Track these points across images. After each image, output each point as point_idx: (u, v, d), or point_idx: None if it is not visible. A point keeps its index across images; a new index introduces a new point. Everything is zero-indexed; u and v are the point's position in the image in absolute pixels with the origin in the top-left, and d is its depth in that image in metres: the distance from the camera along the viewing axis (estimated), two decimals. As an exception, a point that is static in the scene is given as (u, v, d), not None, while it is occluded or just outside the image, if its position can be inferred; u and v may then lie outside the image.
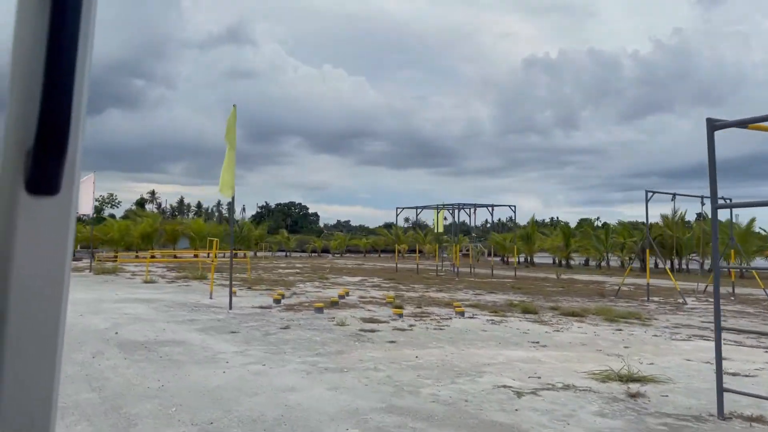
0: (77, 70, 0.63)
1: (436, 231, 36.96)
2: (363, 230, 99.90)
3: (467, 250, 40.75)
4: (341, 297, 17.14)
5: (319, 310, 13.58)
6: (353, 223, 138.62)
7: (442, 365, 8.09)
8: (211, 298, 16.30)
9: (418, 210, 36.70)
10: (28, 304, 0.67)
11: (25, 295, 0.66)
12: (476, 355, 8.86)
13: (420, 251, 58.90)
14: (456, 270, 32.11)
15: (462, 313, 13.39)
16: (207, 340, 9.74)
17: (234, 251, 56.16)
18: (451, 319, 12.88)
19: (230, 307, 13.91)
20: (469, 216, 37.54)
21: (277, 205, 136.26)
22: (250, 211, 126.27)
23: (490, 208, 39.19)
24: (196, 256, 47.49)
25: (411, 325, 11.68)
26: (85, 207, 27.85)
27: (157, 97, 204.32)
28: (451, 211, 37.34)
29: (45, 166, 0.62)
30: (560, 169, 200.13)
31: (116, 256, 43.94)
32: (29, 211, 0.65)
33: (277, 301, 15.53)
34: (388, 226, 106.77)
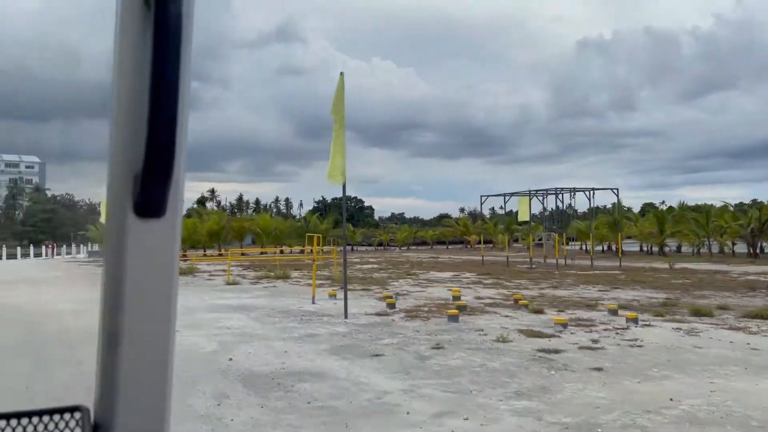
0: (179, 95, 0.62)
1: (520, 219, 33.93)
2: (418, 222, 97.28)
3: (540, 240, 37.60)
4: (455, 298, 14.61)
5: (454, 318, 11.06)
6: (407, 215, 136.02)
7: (725, 415, 5.41)
8: (313, 303, 14.01)
9: (506, 198, 33.75)
10: (140, 323, 0.68)
11: (137, 315, 0.68)
12: (753, 395, 6.14)
13: (491, 242, 55.93)
14: (555, 262, 29.15)
15: (635, 320, 10.61)
16: (351, 369, 7.32)
17: (303, 247, 54.51)
18: (628, 328, 10.12)
19: (346, 316, 11.55)
20: (558, 201, 34.33)
21: (333, 199, 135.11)
22: (307, 207, 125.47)
23: (561, 194, 35.78)
24: (281, 252, 45.96)
25: (594, 341, 9.00)
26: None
27: (213, 98, 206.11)
28: (541, 198, 34.29)
29: (152, 190, 0.63)
30: (617, 152, 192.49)
31: (185, 255, 42.72)
32: (138, 233, 0.66)
33: (392, 306, 13.10)
34: (444, 216, 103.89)
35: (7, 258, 53.04)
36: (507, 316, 11.80)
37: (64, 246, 64.19)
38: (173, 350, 0.71)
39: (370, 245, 64.20)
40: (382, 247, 62.03)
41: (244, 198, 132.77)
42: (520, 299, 14.02)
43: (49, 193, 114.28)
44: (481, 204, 39.01)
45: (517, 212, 34.18)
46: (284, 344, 8.96)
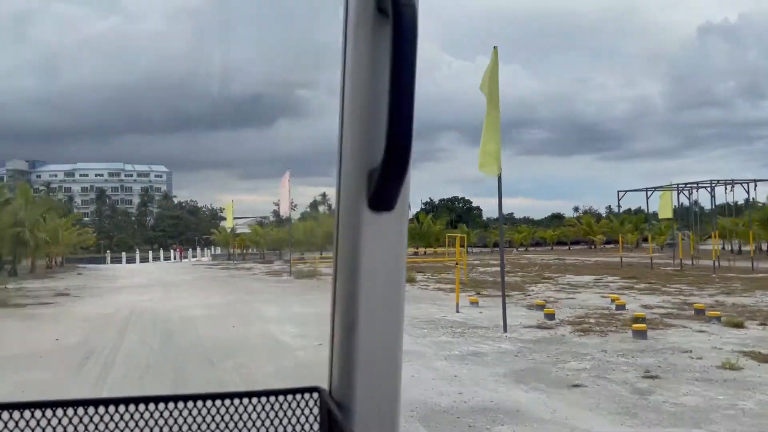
0: (414, 97, 0.66)
1: (662, 217, 30.62)
2: (528, 222, 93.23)
3: (673, 240, 33.83)
4: (619, 307, 12.55)
5: (641, 334, 9.11)
6: (516, 216, 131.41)
7: None
8: (458, 311, 12.48)
9: (648, 193, 30.64)
10: (374, 310, 0.74)
11: (371, 302, 0.74)
12: None
13: (613, 242, 51.95)
14: (712, 264, 25.85)
15: None
16: (553, 406, 5.68)
17: (416, 248, 53.36)
18: None
19: (505, 329, 9.90)
20: (711, 195, 30.71)
21: (441, 200, 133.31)
22: (415, 208, 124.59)
23: (713, 188, 31.92)
24: (416, 253, 45.06)
25: None
26: (284, 207, 25.90)
27: (320, 104, 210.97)
28: (687, 193, 30.85)
29: (388, 186, 0.67)
30: (748, 144, 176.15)
31: (303, 258, 42.79)
32: (371, 225, 0.72)
33: (550, 317, 11.30)
34: (557, 216, 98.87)
35: (140, 261, 56.05)
36: (702, 331, 9.66)
37: (190, 249, 67.22)
38: (402, 336, 0.77)
39: (485, 246, 61.93)
40: (498, 249, 59.56)
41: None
42: (704, 309, 11.74)
43: (175, 200, 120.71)
44: (619, 200, 35.73)
45: (640, 210, 30.82)
46: (449, 365, 7.48)
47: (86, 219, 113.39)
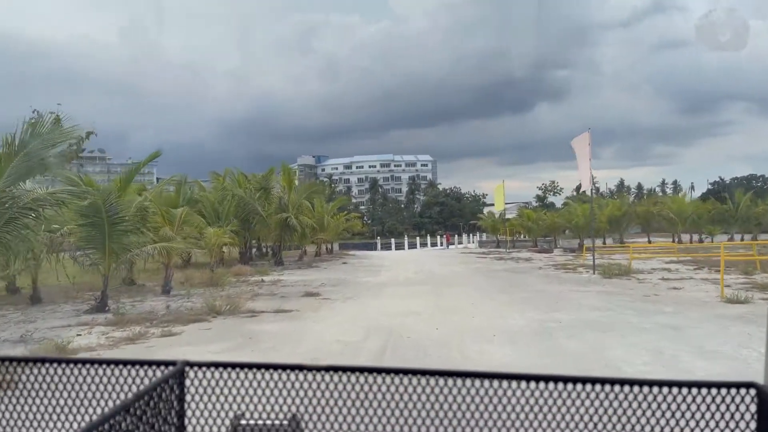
0: None
1: None
2: None
3: None
4: None
5: None
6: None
7: None
8: None
9: None
10: None
11: None
12: None
13: None
14: None
15: None
16: None
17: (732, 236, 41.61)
18: None
19: None
20: None
21: (733, 179, 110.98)
22: (699, 190, 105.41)
23: None
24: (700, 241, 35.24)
25: None
26: (584, 178, 19.21)
27: (582, 84, 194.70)
28: None
29: None
30: None
31: (588, 246, 35.24)
32: None
33: None
34: None
35: (409, 247, 53.76)
36: None
37: (456, 235, 63.52)
38: None
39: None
40: None
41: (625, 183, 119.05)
42: None
43: (440, 187, 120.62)
44: None
45: None
46: None
47: (362, 207, 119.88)
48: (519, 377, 1.07)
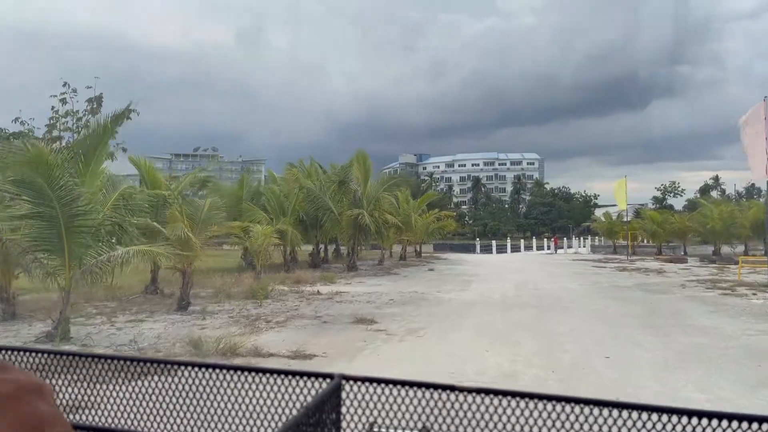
0: None
1: None
2: None
3: None
4: None
5: None
6: None
7: None
8: None
9: None
10: None
11: None
12: None
13: None
14: None
15: None
16: None
17: None
18: None
19: None
20: None
21: None
22: None
23: None
24: None
25: None
26: (758, 167, 13.57)
27: (704, 80, 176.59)
28: None
29: None
30: None
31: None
32: None
33: None
34: None
35: (512, 250, 48.25)
36: None
37: (564, 239, 56.95)
38: None
39: None
40: None
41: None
42: None
43: (547, 187, 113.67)
44: None
45: None
46: None
47: (463, 207, 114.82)
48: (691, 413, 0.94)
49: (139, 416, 1.29)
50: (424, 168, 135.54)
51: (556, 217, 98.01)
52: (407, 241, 25.94)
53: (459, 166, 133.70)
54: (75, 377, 1.32)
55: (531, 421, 1.05)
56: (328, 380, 1.19)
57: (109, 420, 1.30)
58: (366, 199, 19.77)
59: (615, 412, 1.00)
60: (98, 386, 1.38)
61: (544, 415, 1.04)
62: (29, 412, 0.33)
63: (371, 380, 1.19)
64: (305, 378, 1.21)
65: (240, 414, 1.21)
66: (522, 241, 55.22)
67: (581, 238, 58.10)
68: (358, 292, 14.26)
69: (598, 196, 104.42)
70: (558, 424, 1.02)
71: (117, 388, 1.37)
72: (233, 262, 19.96)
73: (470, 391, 1.09)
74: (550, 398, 1.03)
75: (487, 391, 1.08)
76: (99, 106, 16.05)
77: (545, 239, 55.38)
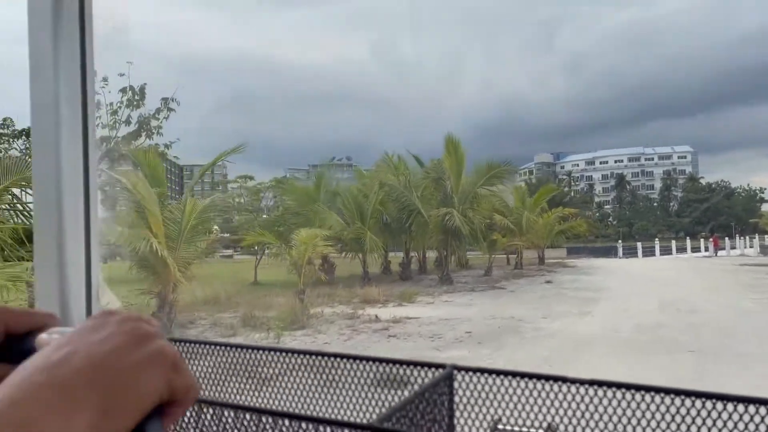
0: None
1: None
2: None
3: None
4: None
5: None
6: None
7: None
8: None
9: None
10: None
11: None
12: None
13: None
14: None
15: None
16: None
17: None
18: None
19: None
20: None
21: None
22: None
23: None
24: None
25: None
26: None
27: None
28: None
29: None
30: None
31: None
32: None
33: None
34: None
35: (661, 253, 41.13)
36: None
37: (726, 239, 48.03)
38: None
39: None
40: None
41: None
42: None
43: (702, 182, 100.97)
44: None
45: None
46: None
47: (607, 207, 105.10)
48: None
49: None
50: (562, 167, 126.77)
51: (714, 215, 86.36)
52: (521, 246, 21.33)
53: (600, 163, 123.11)
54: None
55: (668, 417, 0.97)
56: (440, 369, 1.19)
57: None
58: (458, 197, 15.86)
59: (752, 408, 0.92)
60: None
61: (683, 411, 0.95)
62: (139, 327, 0.39)
63: (483, 371, 1.17)
64: (419, 367, 1.21)
65: (355, 399, 1.24)
66: (673, 242, 47.32)
67: (746, 238, 48.81)
68: (432, 317, 10.51)
69: (765, 190, 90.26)
70: (709, 422, 0.94)
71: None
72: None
73: (601, 384, 1.03)
74: (688, 394, 0.95)
75: (619, 386, 1.02)
76: (142, 98, 13.95)
77: (701, 239, 47.10)
